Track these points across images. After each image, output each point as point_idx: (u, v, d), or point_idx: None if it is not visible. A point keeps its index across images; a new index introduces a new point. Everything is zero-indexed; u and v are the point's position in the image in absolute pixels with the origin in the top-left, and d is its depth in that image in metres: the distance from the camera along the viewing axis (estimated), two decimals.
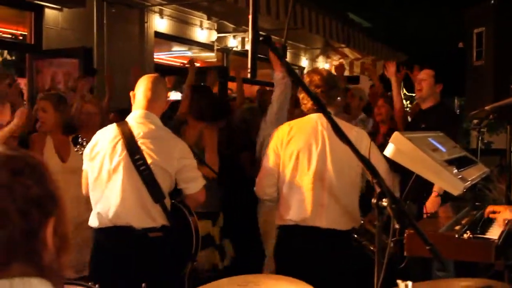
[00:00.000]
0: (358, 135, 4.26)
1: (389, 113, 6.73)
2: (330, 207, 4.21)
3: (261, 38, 2.04)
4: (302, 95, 4.42)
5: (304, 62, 16.46)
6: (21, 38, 10.40)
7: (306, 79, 4.46)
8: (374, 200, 2.21)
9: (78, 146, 4.56)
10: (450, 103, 17.81)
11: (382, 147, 3.89)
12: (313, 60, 16.91)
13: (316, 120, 4.30)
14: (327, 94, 4.38)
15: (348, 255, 4.30)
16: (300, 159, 4.26)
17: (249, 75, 2.05)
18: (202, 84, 7.48)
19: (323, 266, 4.23)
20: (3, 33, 10.75)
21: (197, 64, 13.31)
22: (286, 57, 4.83)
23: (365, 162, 2.26)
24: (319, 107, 2.37)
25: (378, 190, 2.19)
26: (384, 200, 2.17)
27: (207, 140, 5.71)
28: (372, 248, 4.41)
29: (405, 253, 3.54)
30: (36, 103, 6.48)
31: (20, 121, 5.03)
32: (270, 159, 4.38)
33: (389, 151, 3.34)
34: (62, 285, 1.54)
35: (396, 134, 3.35)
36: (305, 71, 15.55)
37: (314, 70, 4.64)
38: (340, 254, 4.27)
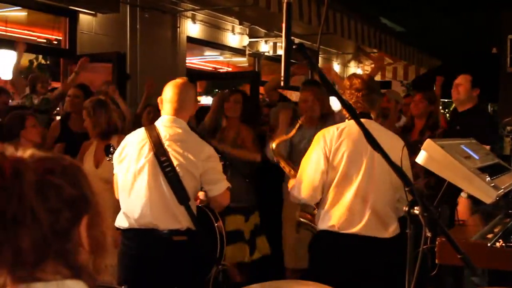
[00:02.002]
0: (392, 139, 4.23)
1: (426, 109, 6.68)
2: (373, 214, 4.16)
3: (294, 46, 2.06)
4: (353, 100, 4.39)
5: (336, 67, 16.41)
6: (55, 43, 10.53)
7: (346, 83, 4.41)
8: (406, 208, 2.21)
9: (110, 156, 4.60)
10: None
11: (416, 143, 3.87)
12: (344, 65, 16.86)
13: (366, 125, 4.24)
14: (368, 98, 4.33)
15: (387, 264, 4.26)
16: (350, 164, 4.19)
17: (282, 83, 2.06)
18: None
19: (363, 274, 4.21)
20: (38, 38, 10.89)
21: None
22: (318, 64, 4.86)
23: (397, 169, 2.26)
24: (351, 114, 2.37)
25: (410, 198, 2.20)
26: (416, 208, 2.17)
27: (247, 140, 5.91)
28: None
29: (436, 261, 3.52)
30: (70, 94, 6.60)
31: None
32: (316, 163, 4.27)
33: (421, 158, 3.34)
34: (96, 287, 1.55)
35: (428, 141, 3.35)
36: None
37: (355, 74, 4.61)
38: (382, 263, 4.24)
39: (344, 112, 4.45)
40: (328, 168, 4.23)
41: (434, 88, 6.82)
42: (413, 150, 3.96)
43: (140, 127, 4.46)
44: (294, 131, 5.01)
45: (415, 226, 2.25)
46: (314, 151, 4.30)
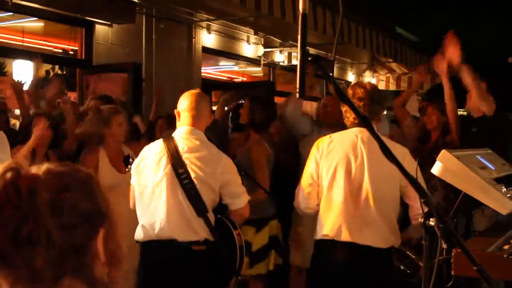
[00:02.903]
0: (400, 152, 4.23)
1: (440, 120, 6.62)
2: (367, 223, 4.18)
3: (310, 58, 2.06)
4: (345, 109, 4.38)
5: (351, 76, 16.40)
6: (71, 53, 10.59)
7: (349, 92, 4.41)
8: (421, 220, 2.20)
9: (129, 166, 4.62)
10: None
11: (431, 153, 3.85)
12: (359, 74, 16.84)
13: (356, 134, 4.27)
14: (370, 108, 4.32)
15: (383, 275, 4.25)
16: (338, 172, 4.23)
17: (297, 95, 2.07)
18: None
19: (356, 283, 4.21)
20: (55, 48, 10.95)
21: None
22: (333, 74, 4.87)
23: (412, 180, 2.25)
24: (365, 123, 2.36)
25: (425, 209, 2.19)
26: (431, 219, 2.16)
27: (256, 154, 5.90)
28: (408, 272, 4.37)
29: (452, 272, 3.50)
30: (91, 106, 6.64)
31: (39, 132, 5.19)
32: (310, 170, 4.36)
33: (436, 169, 3.32)
34: None
35: (443, 152, 3.33)
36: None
37: (358, 83, 4.60)
38: (375, 273, 4.23)
39: (345, 120, 4.44)
40: (319, 177, 4.30)
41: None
42: (428, 161, 3.95)
43: (153, 135, 4.49)
44: None
45: (430, 237, 2.25)
46: (309, 160, 4.40)
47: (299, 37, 2.09)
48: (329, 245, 4.26)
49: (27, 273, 1.38)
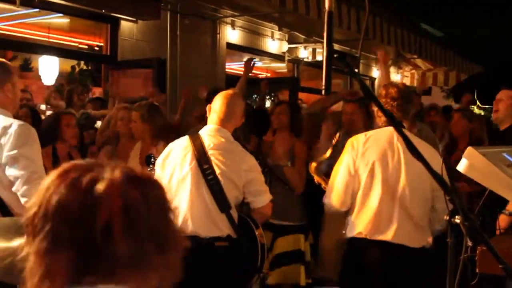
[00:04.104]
0: (429, 151, 4.22)
1: (467, 127, 6.57)
2: (402, 222, 4.17)
3: (335, 55, 2.07)
4: (376, 108, 4.38)
5: (376, 73, 16.32)
6: (97, 49, 10.67)
7: (382, 92, 4.43)
8: (447, 217, 2.20)
9: (151, 166, 4.66)
10: None
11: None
12: None
13: (392, 132, 4.26)
14: (403, 108, 4.35)
15: (417, 274, 4.24)
16: (375, 171, 4.23)
17: (323, 92, 2.07)
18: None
19: (390, 283, 4.20)
20: (80, 44, 11.04)
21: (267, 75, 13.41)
22: (359, 71, 4.85)
23: (439, 179, 2.25)
24: (394, 123, 2.37)
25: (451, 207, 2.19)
26: (457, 217, 2.16)
27: (299, 152, 5.84)
28: None
29: (477, 270, 3.49)
30: (116, 110, 6.69)
31: None
32: (345, 168, 4.34)
33: (462, 166, 3.31)
34: None
35: (469, 149, 3.31)
36: (376, 82, 15.43)
37: (391, 83, 4.62)
38: (409, 272, 4.22)
39: (378, 120, 4.45)
40: (355, 174, 4.28)
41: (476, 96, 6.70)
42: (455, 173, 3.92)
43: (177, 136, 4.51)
44: (330, 151, 5.00)
45: (455, 234, 2.25)
46: (343, 158, 4.37)
47: (325, 35, 2.09)
48: (362, 244, 4.26)
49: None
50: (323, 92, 2.07)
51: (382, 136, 4.33)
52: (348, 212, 4.39)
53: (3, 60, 3.42)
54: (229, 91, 4.51)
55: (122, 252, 1.35)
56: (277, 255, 5.78)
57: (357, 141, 4.36)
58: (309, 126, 6.50)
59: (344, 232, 4.53)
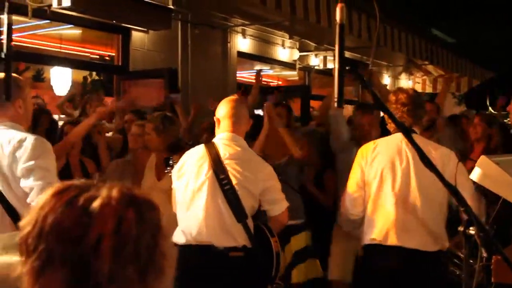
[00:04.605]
0: (444, 155, 4.21)
1: (485, 132, 6.52)
2: (414, 227, 4.17)
3: (347, 67, 2.07)
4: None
5: (387, 79, 16.32)
6: (108, 59, 10.71)
7: (392, 98, 4.43)
8: (461, 228, 2.20)
9: (168, 168, 4.66)
10: None
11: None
12: (395, 77, 16.74)
13: (401, 139, 4.27)
14: (414, 113, 4.36)
15: (432, 278, 4.23)
16: (384, 177, 4.24)
17: (335, 104, 2.07)
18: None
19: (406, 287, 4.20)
20: (92, 54, 11.09)
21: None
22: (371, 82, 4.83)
23: (451, 188, 2.25)
24: (402, 131, 2.37)
25: (465, 217, 2.18)
26: (471, 228, 2.15)
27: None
28: (458, 273, 4.32)
29: (492, 279, 3.47)
30: (127, 120, 6.69)
31: (98, 117, 5.31)
32: (356, 177, 4.38)
33: (475, 175, 3.29)
34: None
35: (482, 158, 3.30)
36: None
37: (401, 89, 4.61)
38: (424, 276, 4.22)
39: (389, 126, 4.45)
40: (365, 183, 4.32)
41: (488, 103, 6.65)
42: None
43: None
44: None
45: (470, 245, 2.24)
46: (353, 166, 4.42)
47: (336, 46, 2.09)
48: (376, 250, 4.26)
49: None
50: (335, 104, 2.07)
51: (391, 143, 4.34)
52: (362, 221, 4.39)
53: (14, 75, 3.44)
54: (231, 97, 4.52)
55: (104, 272, 1.33)
56: (294, 254, 5.81)
57: (366, 149, 4.40)
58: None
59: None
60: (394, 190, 4.21)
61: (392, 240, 4.19)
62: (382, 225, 4.24)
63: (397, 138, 4.30)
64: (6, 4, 2.57)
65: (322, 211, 6.24)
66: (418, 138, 4.23)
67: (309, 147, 6.15)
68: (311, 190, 6.26)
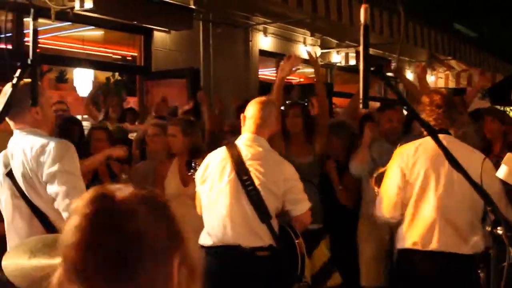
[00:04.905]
0: (477, 159, 4.14)
1: (499, 129, 6.45)
2: (457, 231, 4.09)
3: (372, 69, 2.06)
4: (423, 115, 4.25)
5: (409, 75, 16.20)
6: (131, 59, 10.76)
7: (426, 100, 4.32)
8: (488, 228, 2.18)
9: (191, 171, 4.67)
10: None
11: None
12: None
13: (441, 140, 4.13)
14: (448, 115, 4.26)
15: (470, 282, 4.18)
16: (427, 181, 4.12)
17: (361, 106, 2.07)
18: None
19: None
20: (114, 55, 11.16)
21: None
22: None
23: (479, 189, 2.24)
24: (429, 132, 2.35)
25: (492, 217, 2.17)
26: (499, 228, 2.14)
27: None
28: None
29: None
30: (148, 122, 6.70)
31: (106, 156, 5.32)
32: (396, 179, 4.24)
33: (501, 172, 3.27)
34: None
35: (509, 155, 3.28)
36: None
37: (435, 90, 4.55)
38: (464, 280, 4.16)
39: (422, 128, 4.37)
40: (406, 184, 4.19)
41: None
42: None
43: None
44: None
45: (498, 245, 2.22)
46: (392, 168, 4.28)
47: (361, 48, 2.08)
48: (415, 255, 4.19)
49: None
50: (360, 106, 2.06)
51: (430, 145, 4.23)
52: (399, 223, 4.33)
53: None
54: (262, 98, 4.50)
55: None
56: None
57: (406, 151, 4.26)
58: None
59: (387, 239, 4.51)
60: (436, 194, 4.09)
61: (433, 245, 4.11)
62: (422, 229, 4.13)
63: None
64: (32, 10, 2.59)
65: (342, 210, 6.08)
66: (451, 140, 4.18)
67: (333, 137, 6.09)
68: (333, 178, 6.04)
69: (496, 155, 6.02)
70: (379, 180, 4.84)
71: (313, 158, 5.84)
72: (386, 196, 4.28)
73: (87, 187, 5.16)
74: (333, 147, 6.04)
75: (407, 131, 5.88)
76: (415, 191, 4.16)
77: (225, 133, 6.87)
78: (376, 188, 4.83)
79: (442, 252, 4.09)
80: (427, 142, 4.20)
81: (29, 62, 2.62)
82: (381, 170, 4.93)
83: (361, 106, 2.09)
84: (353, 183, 5.93)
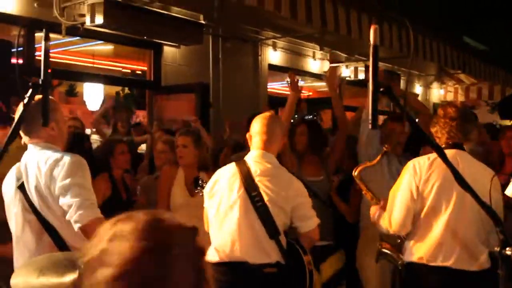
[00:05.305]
0: (487, 175, 4.13)
1: None
2: (466, 248, 4.06)
3: (381, 89, 2.07)
4: (435, 129, 4.28)
5: (418, 89, 16.22)
6: (140, 74, 10.81)
7: (441, 112, 4.30)
8: (497, 249, 2.18)
9: (198, 188, 4.68)
10: None
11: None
12: (427, 86, 16.64)
13: (454, 156, 4.09)
14: (462, 128, 4.21)
15: None
16: (439, 196, 4.10)
17: (370, 126, 2.08)
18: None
19: None
20: (124, 69, 11.21)
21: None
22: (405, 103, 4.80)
23: (487, 209, 2.24)
24: (438, 153, 2.36)
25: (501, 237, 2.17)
26: (508, 248, 2.14)
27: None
28: None
29: None
30: (155, 133, 6.73)
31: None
32: (407, 192, 4.20)
33: (510, 191, 3.28)
34: None
35: None
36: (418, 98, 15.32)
37: (449, 103, 4.52)
38: None
39: (438, 141, 4.33)
40: (418, 198, 4.15)
41: None
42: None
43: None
44: (378, 158, 4.97)
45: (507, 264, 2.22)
46: (404, 181, 4.23)
47: (370, 68, 2.10)
48: (422, 269, 4.17)
49: None
50: (369, 126, 2.08)
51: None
52: (407, 236, 4.30)
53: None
54: (266, 114, 4.49)
55: None
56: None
57: (419, 165, 4.21)
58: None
59: (381, 250, 4.49)
60: (447, 210, 4.08)
61: (441, 261, 4.09)
62: (431, 244, 4.12)
63: (451, 155, 4.05)
64: (44, 30, 2.61)
65: (346, 224, 6.08)
66: (463, 155, 4.17)
67: (343, 149, 6.15)
68: (335, 200, 6.07)
69: (506, 173, 5.96)
70: (359, 175, 4.87)
71: (324, 175, 5.87)
72: (397, 209, 4.24)
73: (109, 201, 5.28)
74: (344, 159, 6.09)
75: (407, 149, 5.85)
76: (426, 206, 4.13)
77: (227, 149, 6.90)
78: (358, 182, 4.85)
79: (450, 268, 4.08)
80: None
81: (40, 82, 2.65)
82: (368, 164, 4.95)
83: (370, 127, 2.10)
84: (357, 199, 5.92)
